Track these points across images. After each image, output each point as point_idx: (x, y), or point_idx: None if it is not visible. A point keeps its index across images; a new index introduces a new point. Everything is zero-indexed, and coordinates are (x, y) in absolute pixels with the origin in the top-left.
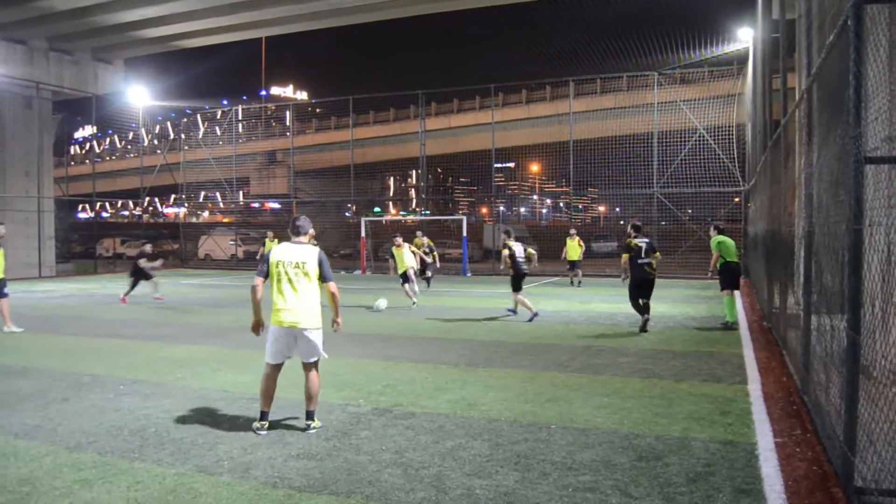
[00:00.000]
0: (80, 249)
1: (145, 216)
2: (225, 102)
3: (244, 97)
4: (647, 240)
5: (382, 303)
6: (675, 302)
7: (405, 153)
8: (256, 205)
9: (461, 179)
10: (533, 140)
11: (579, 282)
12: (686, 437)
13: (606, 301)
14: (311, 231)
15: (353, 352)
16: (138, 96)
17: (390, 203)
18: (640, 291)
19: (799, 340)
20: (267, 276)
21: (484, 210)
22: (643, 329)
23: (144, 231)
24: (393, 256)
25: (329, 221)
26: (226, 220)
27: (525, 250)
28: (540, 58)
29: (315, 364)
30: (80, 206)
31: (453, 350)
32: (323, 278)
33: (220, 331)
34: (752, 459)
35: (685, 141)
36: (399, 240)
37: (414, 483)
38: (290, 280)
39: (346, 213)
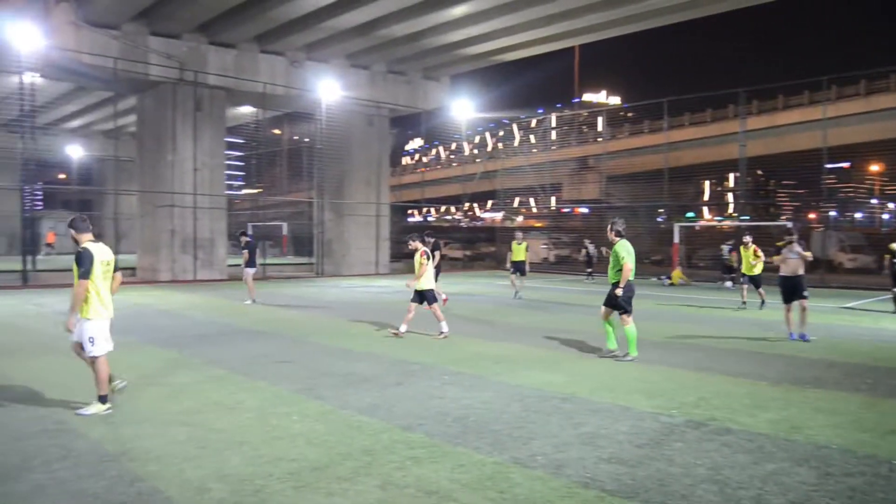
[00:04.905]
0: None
1: (465, 220)
2: (540, 111)
3: (558, 105)
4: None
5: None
6: None
7: (723, 155)
8: (567, 209)
9: (784, 182)
10: (873, 136)
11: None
12: None
13: None
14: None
15: (665, 360)
16: (461, 110)
17: (705, 208)
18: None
19: None
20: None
21: (811, 215)
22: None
23: (465, 234)
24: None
25: (641, 226)
26: (538, 224)
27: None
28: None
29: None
30: (409, 211)
31: (774, 365)
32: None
33: (531, 331)
34: None
35: None
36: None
37: (731, 503)
38: (101, 279)
39: (659, 219)
